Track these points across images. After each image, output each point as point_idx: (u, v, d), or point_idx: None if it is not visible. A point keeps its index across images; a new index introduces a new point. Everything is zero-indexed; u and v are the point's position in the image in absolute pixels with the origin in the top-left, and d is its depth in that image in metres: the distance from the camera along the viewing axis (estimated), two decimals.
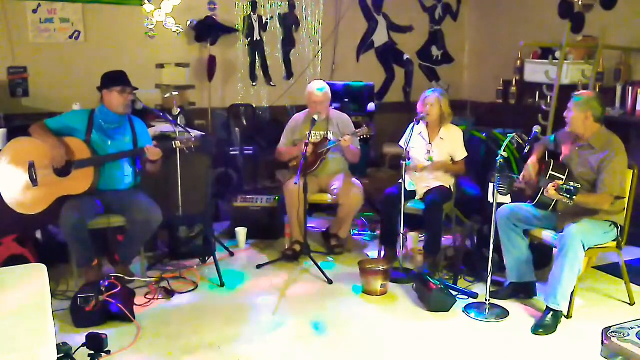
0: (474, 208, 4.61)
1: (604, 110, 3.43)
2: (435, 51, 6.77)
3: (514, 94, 5.72)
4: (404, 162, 3.92)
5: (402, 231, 3.97)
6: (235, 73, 5.81)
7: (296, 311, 3.52)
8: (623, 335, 2.89)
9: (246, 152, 5.47)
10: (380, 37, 6.44)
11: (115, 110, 3.73)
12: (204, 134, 4.51)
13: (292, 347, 3.10)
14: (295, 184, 4.00)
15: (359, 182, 4.46)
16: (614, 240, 3.45)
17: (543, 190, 3.34)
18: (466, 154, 4.24)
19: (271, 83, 5.94)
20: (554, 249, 3.51)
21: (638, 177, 3.44)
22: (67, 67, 5.13)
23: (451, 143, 4.20)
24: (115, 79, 3.72)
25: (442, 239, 4.16)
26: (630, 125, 4.56)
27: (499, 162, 3.36)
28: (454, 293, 3.61)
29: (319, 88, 4.39)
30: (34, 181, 3.56)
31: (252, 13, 5.70)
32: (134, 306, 3.42)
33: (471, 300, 3.63)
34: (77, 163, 3.60)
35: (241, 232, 4.61)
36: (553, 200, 3.39)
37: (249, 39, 5.76)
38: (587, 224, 3.30)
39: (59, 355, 2.47)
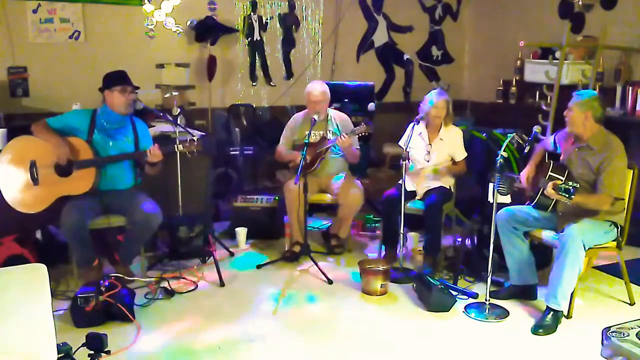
0: (474, 208, 4.61)
1: (604, 111, 3.42)
2: (435, 51, 6.76)
3: (514, 94, 5.73)
4: (403, 162, 3.93)
5: (402, 231, 3.98)
6: (235, 73, 5.81)
7: (296, 311, 3.53)
8: (623, 335, 2.89)
9: (246, 152, 5.47)
10: (380, 37, 6.43)
11: (117, 110, 3.73)
12: (204, 134, 4.50)
13: (291, 347, 3.10)
14: (295, 184, 4.00)
15: (359, 182, 4.47)
16: (614, 240, 3.45)
17: (542, 191, 3.35)
18: (466, 154, 4.24)
19: (271, 83, 5.93)
20: (554, 249, 3.51)
21: (638, 177, 3.44)
22: (67, 67, 5.13)
23: (451, 143, 4.21)
24: (115, 79, 3.72)
25: (442, 239, 4.17)
26: (630, 125, 4.55)
27: (499, 162, 3.36)
28: (454, 293, 3.61)
29: (317, 88, 4.39)
30: (35, 180, 3.56)
31: (252, 13, 5.70)
32: (134, 306, 3.43)
33: (471, 300, 3.63)
34: (79, 163, 3.60)
35: (241, 232, 4.61)
36: (552, 200, 3.40)
37: (249, 39, 5.76)
38: (587, 224, 3.30)
39: (59, 355, 2.47)
